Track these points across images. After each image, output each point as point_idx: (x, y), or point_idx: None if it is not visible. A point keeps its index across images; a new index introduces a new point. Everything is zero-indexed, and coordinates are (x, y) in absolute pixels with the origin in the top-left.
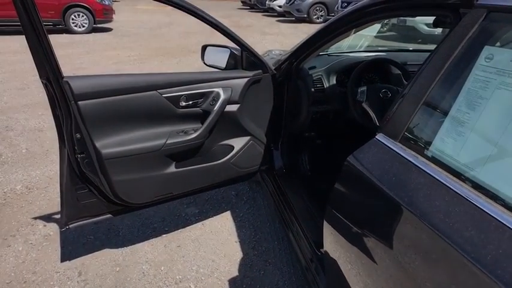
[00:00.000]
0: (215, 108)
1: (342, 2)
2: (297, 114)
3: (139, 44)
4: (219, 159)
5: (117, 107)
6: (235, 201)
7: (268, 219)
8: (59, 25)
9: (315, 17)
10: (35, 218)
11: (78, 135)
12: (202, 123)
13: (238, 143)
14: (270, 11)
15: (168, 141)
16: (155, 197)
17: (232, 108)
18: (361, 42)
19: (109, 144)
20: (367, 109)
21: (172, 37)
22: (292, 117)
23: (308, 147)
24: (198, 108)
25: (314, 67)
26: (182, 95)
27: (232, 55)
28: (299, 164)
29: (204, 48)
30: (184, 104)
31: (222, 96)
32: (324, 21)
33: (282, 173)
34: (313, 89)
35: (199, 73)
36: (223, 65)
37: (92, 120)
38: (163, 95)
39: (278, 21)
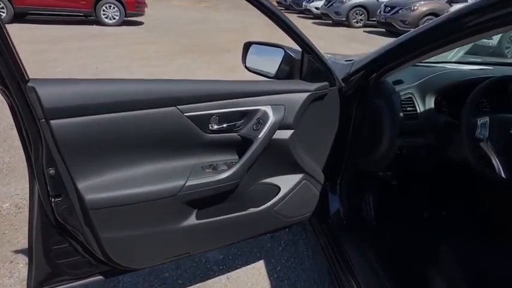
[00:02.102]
0: (260, 135)
1: (385, 7)
2: (373, 147)
3: (169, 40)
4: (259, 206)
5: (112, 130)
6: (270, 245)
7: (316, 280)
8: (90, 16)
9: (354, 20)
10: (17, 252)
11: (52, 171)
12: (240, 156)
13: (286, 183)
14: (306, 13)
15: (189, 183)
16: (165, 260)
17: (283, 135)
18: (454, 51)
19: (98, 186)
20: (487, 151)
21: (205, 34)
22: (364, 150)
23: (378, 190)
24: (235, 134)
25: (400, 82)
26: (213, 114)
27: (287, 58)
28: (363, 212)
29: (247, 46)
30: (216, 127)
31: (272, 118)
32: (364, 26)
33: (339, 222)
34: (402, 114)
35: (239, 83)
36: (273, 72)
37: (73, 148)
38: (186, 114)
39: (314, 23)
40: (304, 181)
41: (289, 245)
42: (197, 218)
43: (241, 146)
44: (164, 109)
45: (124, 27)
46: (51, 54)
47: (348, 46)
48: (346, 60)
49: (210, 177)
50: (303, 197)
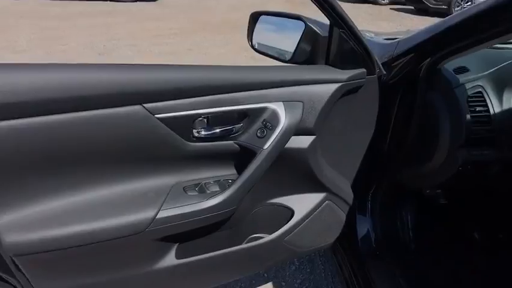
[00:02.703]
0: (267, 144)
1: None
2: (423, 158)
3: (183, 17)
4: (264, 236)
5: (44, 140)
6: (280, 264)
7: None
8: None
9: None
10: None
11: None
12: (239, 171)
13: (302, 204)
14: None
15: (163, 214)
16: None
17: (300, 143)
18: None
19: (25, 222)
20: None
21: (220, 11)
22: (409, 161)
23: (420, 210)
24: (230, 142)
25: (465, 70)
26: (200, 115)
27: (309, 34)
28: (400, 237)
29: (254, 18)
30: (203, 133)
31: (284, 120)
32: (391, 3)
33: (369, 248)
34: (469, 116)
35: (237, 69)
36: (289, 54)
37: None
38: (158, 115)
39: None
40: (326, 202)
41: (304, 264)
42: (177, 257)
43: (239, 159)
44: (124, 109)
45: (137, 4)
46: (60, 31)
47: (375, 24)
48: (385, 39)
49: (195, 204)
50: (324, 223)
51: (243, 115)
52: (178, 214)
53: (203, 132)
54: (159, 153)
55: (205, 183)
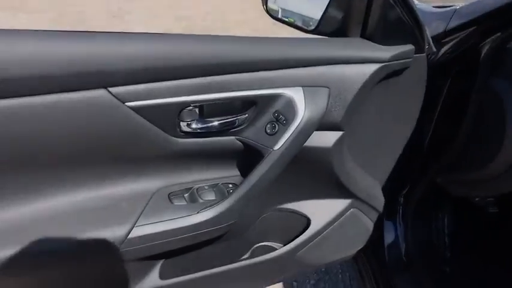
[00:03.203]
0: (279, 144)
1: None
2: (481, 159)
3: None
4: (273, 245)
5: None
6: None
7: None
8: None
9: None
10: None
11: None
12: (244, 175)
13: (322, 212)
14: None
15: (138, 232)
16: None
17: (324, 140)
18: None
19: None
20: None
21: None
22: (459, 162)
23: (463, 218)
24: (232, 138)
25: None
26: (189, 103)
27: None
28: (435, 247)
29: None
30: (194, 126)
31: (302, 112)
32: None
33: (398, 260)
34: None
35: (242, 40)
36: (313, 21)
37: None
38: (129, 103)
39: None
40: (351, 210)
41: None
42: (162, 277)
43: (242, 161)
44: (82, 94)
45: None
46: None
47: None
48: (436, 7)
49: (182, 218)
50: (346, 234)
51: (249, 104)
52: (159, 232)
53: (194, 126)
54: (134, 152)
55: (197, 189)
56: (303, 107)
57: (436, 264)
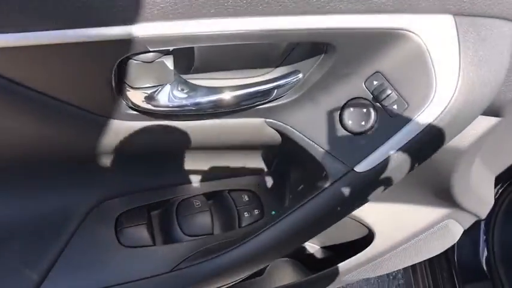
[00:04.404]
0: (367, 161)
1: None
2: None
3: None
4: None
5: None
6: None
7: None
8: None
9: None
10: None
11: None
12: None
13: (395, 227)
14: None
15: None
16: None
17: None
18: None
19: None
20: None
21: None
22: None
23: None
24: (256, 120)
25: None
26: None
27: None
28: None
29: None
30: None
31: (450, 75)
32: None
33: (478, 273)
34: None
35: None
36: None
37: None
38: None
39: None
40: (444, 222)
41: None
42: None
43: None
44: None
45: None
46: None
47: None
48: None
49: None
50: (425, 246)
51: (309, 51)
52: None
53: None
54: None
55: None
56: (456, 63)
57: None
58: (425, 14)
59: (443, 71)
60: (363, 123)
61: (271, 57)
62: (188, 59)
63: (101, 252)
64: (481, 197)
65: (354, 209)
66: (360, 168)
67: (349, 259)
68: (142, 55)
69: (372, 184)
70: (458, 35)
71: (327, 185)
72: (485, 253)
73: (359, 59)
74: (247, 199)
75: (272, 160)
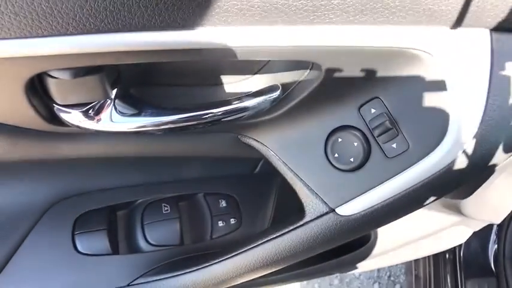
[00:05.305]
0: (364, 200)
1: None
2: None
3: None
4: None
5: None
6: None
7: None
8: None
9: None
10: None
11: None
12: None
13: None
14: None
15: None
16: None
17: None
18: None
19: None
20: None
21: None
22: None
23: None
24: (229, 135)
25: None
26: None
27: None
28: None
29: None
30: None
31: (475, 103)
32: None
33: (484, 271)
34: None
35: None
36: None
37: None
38: None
39: None
40: (451, 228)
41: None
42: None
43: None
44: None
45: None
46: None
47: None
48: None
49: None
50: (432, 246)
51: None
52: None
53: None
54: None
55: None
56: (484, 89)
57: None
58: (445, 28)
59: (463, 105)
60: (352, 159)
61: (248, 64)
62: (145, 70)
63: (54, 258)
64: (497, 207)
65: (332, 247)
66: (343, 211)
67: (344, 256)
68: (59, 72)
69: (355, 229)
70: (492, 53)
71: (302, 222)
72: (494, 250)
73: (353, 80)
74: (224, 205)
75: (258, 160)
